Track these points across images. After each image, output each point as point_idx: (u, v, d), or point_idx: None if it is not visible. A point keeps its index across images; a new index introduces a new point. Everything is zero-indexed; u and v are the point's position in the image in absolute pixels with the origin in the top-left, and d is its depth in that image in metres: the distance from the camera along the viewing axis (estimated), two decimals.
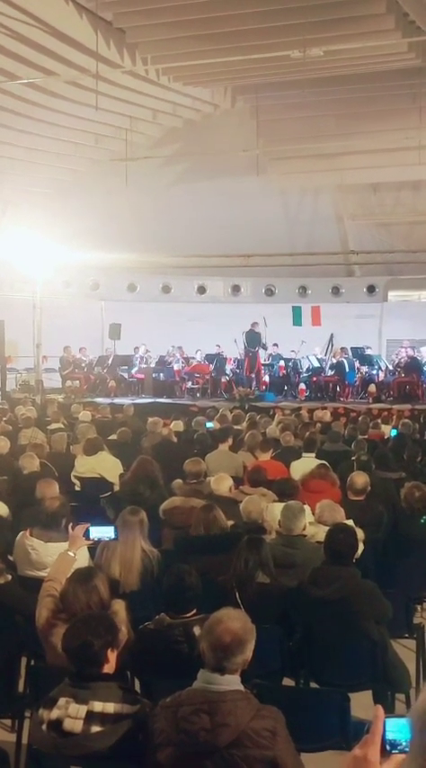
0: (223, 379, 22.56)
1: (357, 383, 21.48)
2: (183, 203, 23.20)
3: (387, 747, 2.19)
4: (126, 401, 19.37)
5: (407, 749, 2.09)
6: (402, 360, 21.09)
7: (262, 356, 22.70)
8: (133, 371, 23.29)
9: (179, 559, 5.81)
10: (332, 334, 24.12)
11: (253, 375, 22.33)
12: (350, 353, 21.85)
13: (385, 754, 2.18)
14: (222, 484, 8.01)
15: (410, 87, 18.97)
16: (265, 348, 22.48)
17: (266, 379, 22.52)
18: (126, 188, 21.05)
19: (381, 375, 21.45)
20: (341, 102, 19.73)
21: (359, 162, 21.62)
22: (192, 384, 22.62)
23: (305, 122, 20.65)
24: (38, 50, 15.29)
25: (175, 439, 12.64)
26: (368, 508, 7.71)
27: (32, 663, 5.31)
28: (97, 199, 22.74)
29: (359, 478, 8.03)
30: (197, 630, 4.44)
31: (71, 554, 5.30)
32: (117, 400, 20.39)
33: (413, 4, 14.18)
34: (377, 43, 15.29)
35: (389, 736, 2.19)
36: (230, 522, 6.96)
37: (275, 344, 22.76)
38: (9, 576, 5.67)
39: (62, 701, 3.65)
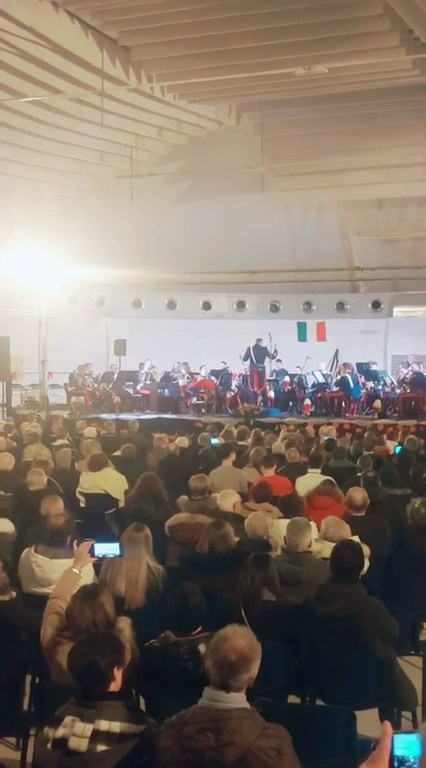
0: (228, 395, 22.56)
1: (362, 399, 21.45)
2: (188, 220, 23.27)
3: (396, 764, 2.18)
4: (131, 417, 19.37)
5: (415, 766, 2.08)
6: (407, 375, 21.07)
7: (269, 369, 22.71)
8: (138, 387, 23.31)
9: (184, 577, 5.79)
10: (337, 350, 24.11)
11: (259, 390, 22.33)
12: (356, 369, 21.84)
13: None
14: (227, 500, 7.99)
15: (414, 104, 19.03)
16: (273, 358, 22.48)
17: (271, 394, 22.51)
18: (131, 205, 21.13)
19: (387, 390, 21.42)
20: (345, 119, 19.80)
21: (363, 178, 21.68)
22: (197, 400, 22.61)
23: (309, 139, 20.73)
24: (43, 68, 15.39)
25: (180, 455, 12.64)
26: (371, 523, 7.69)
27: (37, 680, 5.29)
28: (102, 215, 22.81)
29: (358, 494, 8.01)
30: (202, 648, 4.42)
31: (76, 571, 5.29)
32: (122, 416, 20.40)
33: (418, 20, 14.25)
34: (382, 60, 15.36)
35: (397, 752, 2.18)
36: (235, 539, 6.93)
37: (278, 360, 22.78)
38: (14, 593, 5.66)
39: (67, 719, 3.63)
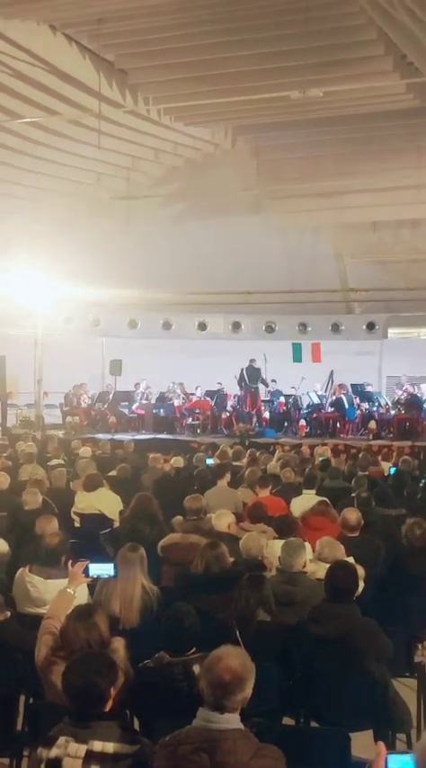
0: (223, 416, 22.58)
1: (357, 420, 21.48)
2: (184, 241, 23.35)
3: None
4: (126, 437, 19.37)
5: None
6: (402, 396, 21.12)
7: (262, 392, 22.75)
8: (134, 407, 23.31)
9: (179, 597, 5.79)
10: (332, 371, 24.14)
11: (254, 411, 22.35)
12: (351, 390, 21.88)
13: None
14: (222, 520, 8.00)
15: (408, 127, 19.15)
16: (265, 384, 22.55)
17: (266, 415, 22.53)
18: (127, 226, 21.23)
19: (382, 411, 21.46)
20: (340, 142, 19.93)
21: (358, 201, 21.80)
22: (193, 420, 22.62)
23: (304, 162, 20.85)
24: (40, 90, 15.49)
25: (175, 475, 12.64)
26: (365, 544, 7.69)
27: (31, 701, 5.27)
28: (99, 236, 22.88)
29: (352, 515, 8.02)
30: (196, 669, 4.42)
31: (71, 591, 5.29)
32: (117, 436, 20.39)
33: (411, 45, 14.37)
34: (376, 84, 15.48)
35: None
36: (230, 559, 6.93)
37: (273, 380, 22.83)
38: (8, 613, 5.65)
39: (61, 739, 3.62)
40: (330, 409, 21.67)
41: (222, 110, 17.49)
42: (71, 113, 16.29)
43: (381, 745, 2.22)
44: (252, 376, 22.34)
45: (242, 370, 22.35)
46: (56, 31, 14.67)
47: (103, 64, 15.60)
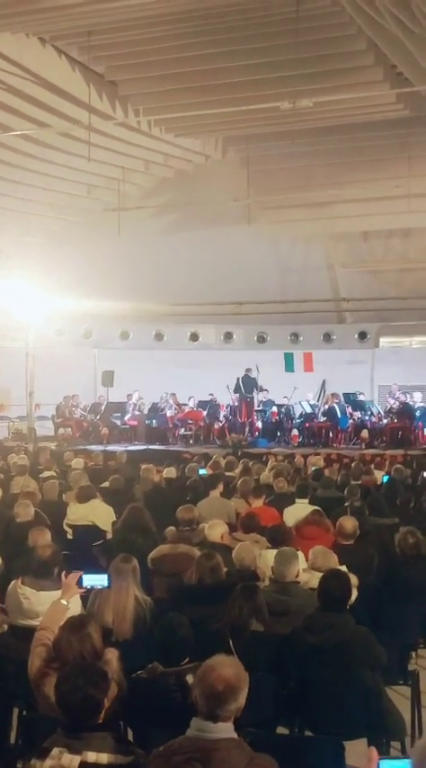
0: (216, 426, 22.58)
1: (349, 429, 21.50)
2: (175, 252, 23.40)
3: None
4: (119, 448, 19.35)
5: None
6: (394, 405, 21.15)
7: (257, 400, 22.74)
8: (126, 418, 23.28)
9: (172, 608, 5.77)
10: (324, 381, 24.19)
11: (248, 421, 22.33)
12: (343, 399, 21.90)
13: None
14: (215, 530, 7.99)
15: (398, 137, 19.25)
16: (262, 390, 22.52)
17: (259, 425, 22.53)
18: (118, 237, 21.26)
19: (374, 420, 21.49)
20: (330, 152, 20.02)
21: (349, 210, 21.89)
22: (185, 431, 22.61)
23: (295, 172, 20.94)
24: (31, 102, 15.53)
25: (168, 486, 12.62)
26: (358, 552, 7.69)
27: (24, 713, 5.25)
28: (90, 248, 22.92)
29: (348, 523, 8.02)
30: (190, 679, 4.41)
31: (64, 603, 5.27)
32: (110, 447, 20.37)
33: (401, 56, 14.46)
34: (366, 94, 15.57)
35: None
36: (225, 570, 6.93)
37: (266, 390, 22.83)
38: (5, 626, 5.64)
39: (55, 751, 3.61)
40: (322, 419, 21.68)
41: (212, 121, 17.55)
42: (61, 126, 16.33)
43: (373, 750, 2.23)
44: (247, 385, 22.33)
45: (237, 379, 22.33)
46: (45, 44, 14.72)
47: (93, 76, 15.66)
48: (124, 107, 16.88)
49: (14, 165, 18.41)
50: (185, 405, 23.16)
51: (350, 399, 22.02)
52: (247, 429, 22.18)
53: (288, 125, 18.04)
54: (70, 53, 15.18)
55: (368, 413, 21.73)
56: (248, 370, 22.37)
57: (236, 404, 22.66)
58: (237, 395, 22.54)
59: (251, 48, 14.38)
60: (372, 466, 15.74)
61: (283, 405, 22.44)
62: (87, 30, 14.06)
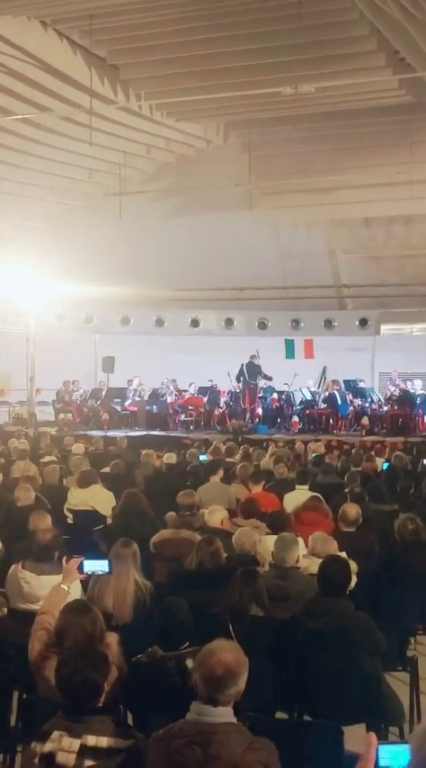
0: (216, 412, 22.58)
1: (350, 416, 21.50)
2: (176, 237, 23.35)
3: None
4: (119, 434, 19.35)
5: None
6: (394, 392, 21.14)
7: (263, 385, 22.71)
8: (126, 404, 23.29)
9: (172, 592, 5.78)
10: (324, 367, 24.18)
11: (252, 407, 22.30)
12: (343, 386, 21.89)
13: None
14: (215, 516, 8.00)
15: (401, 123, 19.19)
16: (266, 378, 22.46)
17: (259, 411, 22.53)
18: (119, 222, 21.21)
19: (374, 407, 21.49)
20: (332, 138, 19.95)
21: (350, 196, 21.82)
22: (186, 417, 22.62)
23: (296, 157, 20.88)
24: (32, 86, 15.48)
25: (168, 471, 12.64)
26: (360, 539, 7.70)
27: (24, 696, 5.27)
28: (91, 233, 22.88)
29: (352, 510, 8.03)
30: (189, 663, 4.42)
31: (65, 587, 5.28)
32: (110, 433, 20.37)
33: (404, 41, 14.39)
34: (368, 80, 15.52)
35: (382, 762, 2.20)
36: (224, 555, 6.94)
37: (270, 378, 22.78)
38: (5, 610, 5.65)
39: (55, 734, 3.62)
40: (323, 405, 21.69)
41: (214, 105, 17.50)
42: (62, 110, 16.28)
43: (372, 735, 2.23)
44: (251, 372, 22.27)
45: (242, 365, 22.27)
46: (47, 28, 14.66)
47: (95, 60, 15.60)
48: (126, 91, 16.82)
49: (15, 150, 18.37)
50: (186, 391, 23.17)
51: (351, 386, 22.01)
52: (248, 415, 22.18)
53: (289, 110, 17.99)
54: (72, 37, 15.12)
55: (369, 400, 21.73)
56: (253, 356, 22.31)
57: (239, 390, 22.62)
58: (240, 381, 22.49)
59: (253, 32, 14.32)
60: (372, 453, 15.75)
61: (284, 391, 22.44)
62: (89, 13, 14.00)
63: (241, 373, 22.35)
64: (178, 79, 16.09)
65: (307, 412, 21.72)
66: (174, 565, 7.13)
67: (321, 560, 5.96)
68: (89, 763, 3.57)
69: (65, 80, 15.59)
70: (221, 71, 15.60)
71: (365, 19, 13.80)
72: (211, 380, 22.88)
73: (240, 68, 15.40)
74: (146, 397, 23.31)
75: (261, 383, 22.66)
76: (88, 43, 14.98)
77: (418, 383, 21.31)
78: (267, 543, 7.05)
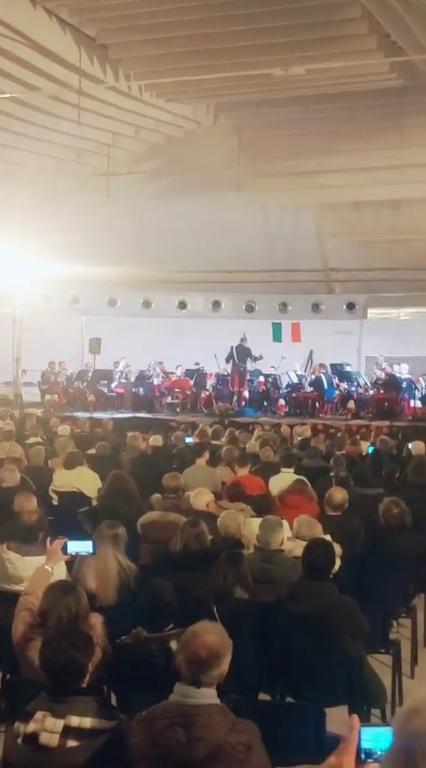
0: (203, 395, 22.58)
1: (336, 399, 21.55)
2: (165, 219, 23.27)
3: (362, 756, 2.21)
4: (105, 416, 19.33)
5: (382, 758, 2.11)
6: (381, 377, 21.19)
7: (251, 368, 22.69)
8: (113, 386, 23.26)
9: (157, 574, 5.80)
10: (311, 351, 24.20)
11: (241, 390, 22.27)
12: (330, 370, 21.92)
13: (360, 762, 2.20)
14: (200, 498, 8.01)
15: (391, 107, 19.16)
16: (255, 359, 22.42)
17: (246, 394, 22.54)
18: (107, 203, 21.12)
19: (360, 391, 21.54)
20: (322, 121, 19.90)
21: (340, 180, 21.77)
22: (172, 399, 22.62)
23: (286, 140, 20.81)
24: (20, 65, 15.34)
25: (154, 453, 12.64)
26: (345, 523, 7.73)
27: (8, 677, 5.28)
28: (78, 213, 22.77)
29: (338, 494, 8.04)
30: (174, 645, 4.44)
31: (48, 568, 5.29)
32: (96, 414, 20.35)
33: (395, 24, 14.34)
34: (359, 63, 15.46)
35: (364, 745, 2.21)
36: (209, 537, 6.96)
37: (261, 357, 22.75)
38: None
39: (39, 714, 3.63)
40: (309, 389, 21.73)
41: (204, 86, 17.42)
42: (51, 89, 16.17)
43: (354, 717, 2.24)
44: (241, 354, 22.23)
45: (231, 348, 22.23)
46: (36, 5, 14.52)
47: (84, 39, 15.48)
48: (115, 71, 16.70)
49: (3, 128, 18.22)
50: (172, 373, 23.15)
51: (337, 370, 22.04)
52: (234, 398, 22.18)
53: (280, 92, 17.93)
54: (61, 15, 14.98)
55: (355, 384, 21.79)
56: (243, 339, 22.28)
57: (227, 373, 22.60)
58: (230, 364, 22.46)
59: (244, 13, 14.23)
60: (358, 436, 15.78)
61: (270, 374, 22.45)
62: None
63: (230, 356, 22.31)
64: (168, 60, 15.99)
65: (294, 395, 21.77)
66: (160, 547, 7.14)
67: (305, 543, 5.98)
68: (72, 743, 3.59)
69: (53, 59, 15.46)
70: (211, 52, 15.51)
71: (357, 1, 13.74)
72: (198, 363, 22.87)
73: (230, 49, 15.31)
74: (132, 379, 23.29)
75: (251, 366, 22.66)
76: (77, 22, 14.86)
77: (404, 367, 21.36)
78: (252, 526, 7.06)
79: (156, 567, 6.58)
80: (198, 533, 6.59)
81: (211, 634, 3.57)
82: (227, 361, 22.37)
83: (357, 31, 14.59)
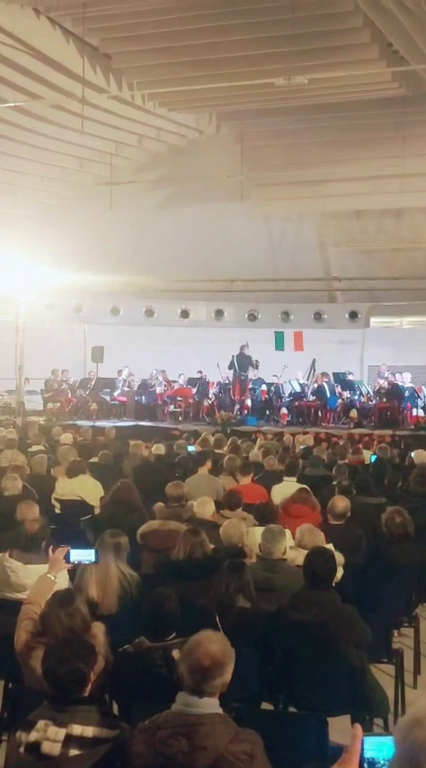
0: (205, 403, 22.58)
1: (338, 408, 21.53)
2: (167, 227, 23.32)
3: (365, 766, 2.21)
4: (108, 424, 19.33)
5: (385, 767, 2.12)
6: (383, 385, 21.18)
7: (252, 377, 22.71)
8: (115, 394, 23.27)
9: (159, 583, 5.79)
10: (314, 360, 24.20)
11: (241, 399, 22.30)
12: (332, 379, 21.92)
13: None
14: (206, 507, 8.00)
15: (393, 116, 19.19)
16: (256, 367, 22.46)
17: (248, 403, 22.54)
18: (110, 212, 21.17)
19: (363, 400, 21.53)
20: (324, 130, 19.93)
21: (342, 189, 21.81)
22: (175, 408, 22.62)
23: (289, 149, 20.85)
24: (24, 74, 15.40)
25: (156, 462, 12.64)
26: (348, 532, 7.71)
27: (10, 686, 5.27)
28: (81, 222, 22.82)
29: (340, 503, 8.03)
30: (176, 654, 4.42)
31: (51, 577, 5.28)
32: (98, 423, 20.34)
33: (397, 34, 14.37)
34: (361, 72, 15.49)
35: (367, 754, 2.21)
36: (210, 546, 6.95)
37: (256, 361, 22.80)
38: None
39: (41, 723, 3.63)
40: (311, 398, 21.71)
41: (206, 96, 17.46)
42: (54, 98, 16.21)
43: (357, 727, 2.24)
44: (242, 363, 22.27)
45: (232, 356, 22.26)
46: (40, 15, 14.58)
47: (87, 48, 15.53)
48: (118, 80, 16.75)
49: (6, 137, 18.28)
50: (175, 382, 23.16)
51: (340, 379, 22.04)
52: (236, 407, 22.19)
53: (282, 102, 17.96)
54: (64, 25, 15.04)
55: (358, 392, 21.77)
56: (243, 347, 22.31)
57: (229, 381, 22.63)
58: (231, 372, 22.49)
59: (246, 23, 14.27)
60: (360, 445, 15.77)
61: (273, 383, 22.45)
62: (82, 1, 13.92)
63: (231, 365, 22.36)
64: (171, 69, 16.04)
65: (296, 404, 21.75)
66: (160, 556, 7.13)
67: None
68: (74, 752, 3.58)
69: (57, 68, 15.52)
70: (214, 61, 15.56)
71: (359, 11, 13.78)
72: (200, 371, 22.88)
73: (233, 59, 15.35)
74: (135, 388, 23.29)
75: (253, 374, 22.68)
76: (81, 31, 14.91)
77: (407, 376, 21.36)
78: (254, 535, 7.05)
79: (157, 576, 6.57)
80: (199, 542, 6.59)
81: (214, 643, 3.57)
82: (230, 368, 22.40)
83: (359, 40, 14.63)
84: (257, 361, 22.43)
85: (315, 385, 22.00)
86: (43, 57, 15.18)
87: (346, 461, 12.45)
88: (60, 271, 21.32)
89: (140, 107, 18.03)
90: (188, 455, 12.89)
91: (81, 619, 4.61)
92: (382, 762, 2.18)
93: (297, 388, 21.97)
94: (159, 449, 13.77)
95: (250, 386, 22.64)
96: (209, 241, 23.20)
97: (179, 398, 22.64)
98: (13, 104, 16.10)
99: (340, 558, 6.30)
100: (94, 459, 12.29)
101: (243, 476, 10.46)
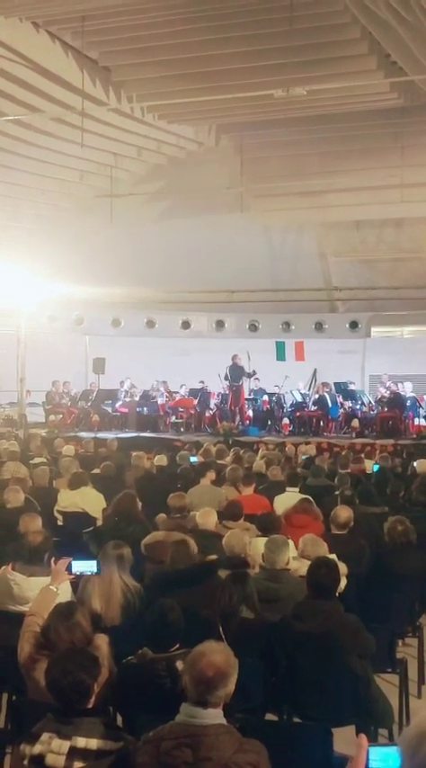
0: (207, 414, 22.59)
1: (340, 418, 21.54)
2: (168, 239, 23.35)
3: None
4: (109, 435, 19.33)
5: None
6: (385, 395, 21.19)
7: (247, 387, 22.72)
8: (117, 406, 23.27)
9: (158, 594, 5.78)
10: (315, 370, 24.21)
11: (237, 409, 22.35)
12: (334, 388, 21.94)
13: None
14: (208, 518, 8.00)
15: (392, 126, 19.22)
16: (250, 377, 22.50)
17: (250, 413, 22.55)
18: (110, 224, 21.19)
19: (365, 410, 21.53)
20: (324, 141, 19.97)
21: (341, 200, 21.85)
22: (176, 418, 22.62)
23: (288, 160, 20.89)
24: (23, 87, 15.45)
25: (158, 473, 12.63)
26: (351, 542, 7.71)
27: (14, 698, 5.26)
28: (82, 234, 22.85)
29: (343, 512, 8.03)
30: (180, 665, 4.42)
31: (53, 589, 5.28)
32: (100, 434, 20.34)
33: (395, 45, 14.41)
34: (360, 83, 15.52)
35: (373, 765, 2.21)
36: (213, 557, 6.95)
37: (257, 378, 22.82)
38: None
39: (45, 736, 3.62)
40: (313, 408, 21.72)
41: (206, 108, 17.50)
42: (54, 111, 16.25)
43: (363, 737, 2.23)
44: (234, 374, 22.32)
45: (227, 368, 22.33)
46: (39, 29, 14.63)
47: (87, 61, 15.58)
48: (117, 93, 16.80)
49: (6, 150, 18.31)
50: (176, 392, 23.18)
51: (341, 389, 22.05)
52: (238, 417, 22.19)
53: (281, 113, 17.98)
54: (64, 38, 15.09)
55: (359, 402, 21.78)
56: (234, 357, 22.33)
57: (227, 392, 22.67)
58: (227, 383, 22.54)
59: (245, 35, 14.32)
60: (362, 455, 15.77)
61: (274, 393, 22.46)
62: (81, 15, 13.97)
63: (226, 376, 22.41)
64: (170, 81, 16.09)
65: (298, 414, 21.75)
66: (156, 568, 7.12)
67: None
68: (78, 764, 3.58)
69: (56, 81, 15.57)
70: (213, 73, 15.60)
71: (356, 22, 13.82)
72: (202, 382, 22.89)
73: (232, 71, 15.39)
74: (136, 399, 23.29)
75: (251, 384, 22.69)
76: (80, 45, 14.96)
77: (408, 386, 21.37)
78: (257, 545, 7.05)
79: (155, 587, 6.56)
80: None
81: (217, 654, 3.57)
82: (225, 379, 22.45)
83: (357, 51, 14.67)
84: (254, 371, 22.46)
85: (317, 395, 22.02)
86: (43, 70, 15.23)
87: (348, 471, 12.45)
88: (61, 283, 21.35)
89: (140, 119, 18.07)
90: (190, 466, 12.90)
91: (81, 632, 4.60)
92: None
93: (299, 398, 21.98)
94: (161, 460, 13.79)
95: (245, 396, 22.67)
96: (210, 252, 23.23)
97: (180, 409, 22.65)
98: (12, 118, 16.14)
99: (343, 567, 6.30)
100: (96, 471, 12.30)
101: (245, 486, 10.45)
